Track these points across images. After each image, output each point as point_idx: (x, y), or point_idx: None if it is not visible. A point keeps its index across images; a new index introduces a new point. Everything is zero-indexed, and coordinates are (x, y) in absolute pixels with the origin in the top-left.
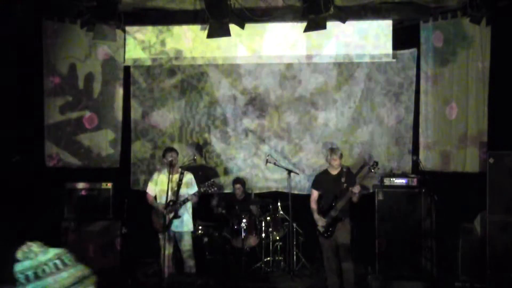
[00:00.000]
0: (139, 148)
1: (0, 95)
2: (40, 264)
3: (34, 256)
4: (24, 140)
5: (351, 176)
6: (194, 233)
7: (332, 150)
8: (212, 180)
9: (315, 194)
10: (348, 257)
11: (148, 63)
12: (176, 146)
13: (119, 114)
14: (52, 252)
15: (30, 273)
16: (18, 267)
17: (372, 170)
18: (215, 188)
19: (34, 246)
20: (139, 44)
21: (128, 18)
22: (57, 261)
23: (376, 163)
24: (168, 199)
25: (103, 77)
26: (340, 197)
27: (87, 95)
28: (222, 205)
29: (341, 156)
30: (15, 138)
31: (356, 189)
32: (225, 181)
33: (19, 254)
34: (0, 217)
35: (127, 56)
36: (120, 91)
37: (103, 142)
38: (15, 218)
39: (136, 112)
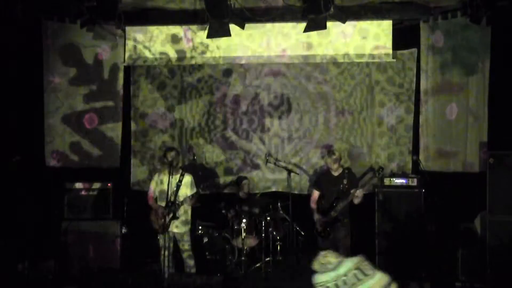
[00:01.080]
0: (139, 148)
1: (0, 95)
2: (340, 276)
3: (332, 267)
4: (24, 140)
5: (353, 177)
6: (194, 233)
7: (328, 153)
8: (211, 180)
9: (315, 194)
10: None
11: (148, 63)
12: (176, 146)
13: (119, 114)
14: (351, 262)
15: (331, 285)
16: (317, 279)
17: (377, 176)
18: (214, 189)
19: (330, 256)
20: (139, 44)
21: (128, 18)
22: (357, 271)
23: (382, 168)
24: (168, 200)
25: (104, 76)
26: (341, 198)
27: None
28: (229, 208)
29: (338, 159)
30: (15, 138)
31: (358, 192)
32: (225, 181)
33: (315, 265)
34: (0, 217)
35: (127, 56)
36: (120, 91)
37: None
38: (15, 218)
39: (136, 112)
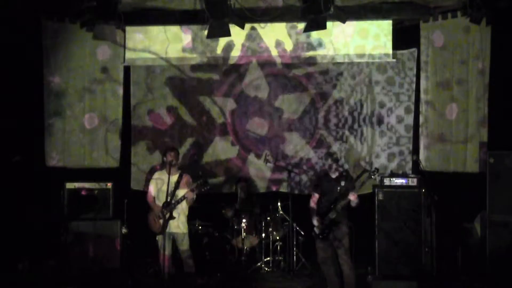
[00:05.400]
0: (139, 148)
1: (0, 95)
2: None
3: None
4: (24, 140)
5: (350, 180)
6: (193, 233)
7: (328, 154)
8: (203, 179)
9: (315, 196)
10: (347, 258)
11: (148, 63)
12: (176, 146)
13: (119, 114)
14: None
15: None
16: None
17: (372, 177)
18: (208, 187)
19: None
20: (139, 44)
21: (128, 18)
22: None
23: (377, 169)
24: (166, 199)
25: (104, 76)
26: (339, 200)
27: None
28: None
29: (336, 161)
30: (15, 138)
31: (353, 196)
32: (224, 181)
33: None
34: (0, 217)
35: (127, 56)
36: (120, 91)
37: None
38: (15, 218)
39: (136, 112)
